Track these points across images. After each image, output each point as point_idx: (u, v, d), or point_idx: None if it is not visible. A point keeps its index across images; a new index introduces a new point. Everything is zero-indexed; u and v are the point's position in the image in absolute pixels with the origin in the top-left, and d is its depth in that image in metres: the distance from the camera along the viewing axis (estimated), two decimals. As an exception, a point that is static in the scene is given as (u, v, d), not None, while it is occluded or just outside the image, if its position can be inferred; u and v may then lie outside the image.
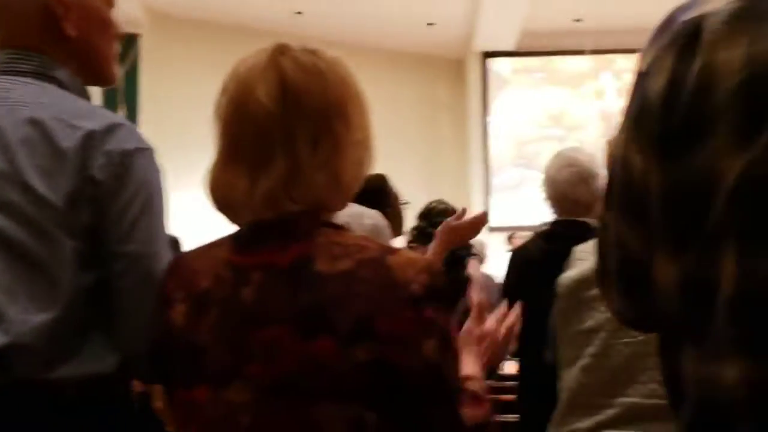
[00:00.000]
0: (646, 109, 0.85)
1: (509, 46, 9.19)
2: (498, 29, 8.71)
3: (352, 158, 1.03)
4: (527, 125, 9.49)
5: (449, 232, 2.00)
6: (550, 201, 2.47)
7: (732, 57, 0.78)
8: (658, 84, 0.84)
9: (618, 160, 0.90)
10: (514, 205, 9.14)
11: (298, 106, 1.00)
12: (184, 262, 1.07)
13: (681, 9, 0.86)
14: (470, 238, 2.12)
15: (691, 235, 0.80)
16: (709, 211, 0.78)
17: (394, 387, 0.94)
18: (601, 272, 0.98)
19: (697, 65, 0.80)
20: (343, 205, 1.07)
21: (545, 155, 2.97)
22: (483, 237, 6.90)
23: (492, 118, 9.48)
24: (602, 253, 0.96)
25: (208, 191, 1.05)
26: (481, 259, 5.12)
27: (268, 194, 0.98)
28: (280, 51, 1.03)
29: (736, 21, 0.78)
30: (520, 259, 2.66)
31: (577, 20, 8.72)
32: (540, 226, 4.85)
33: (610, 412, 1.74)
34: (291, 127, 0.99)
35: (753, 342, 0.75)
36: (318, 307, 0.94)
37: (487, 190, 9.39)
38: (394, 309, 0.94)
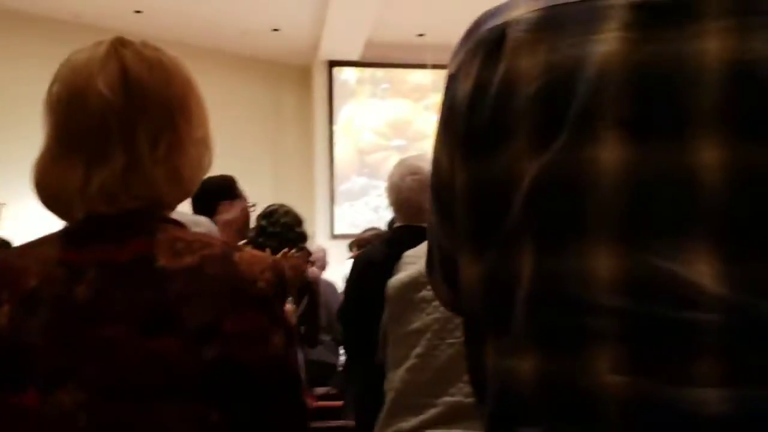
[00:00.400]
0: (454, 112, 0.88)
1: (355, 56, 9.30)
2: (344, 39, 8.79)
3: (192, 155, 1.02)
4: (371, 135, 9.63)
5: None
6: (394, 207, 2.53)
7: (531, 64, 0.80)
8: (464, 87, 0.86)
9: (432, 161, 0.93)
10: (358, 214, 9.26)
11: (141, 99, 0.98)
12: (6, 262, 1.01)
13: (487, 15, 0.89)
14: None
15: (492, 234, 0.82)
16: (508, 211, 0.81)
17: (242, 383, 0.93)
18: (429, 266, 1.02)
19: (500, 71, 0.82)
20: (179, 203, 1.05)
21: (388, 165, 3.04)
22: (326, 244, 6.95)
23: (337, 127, 9.55)
24: (429, 248, 1.01)
25: (34, 185, 1.00)
26: (322, 266, 5.14)
27: (105, 188, 0.95)
28: (121, 43, 1.01)
29: (537, 29, 0.81)
30: (362, 262, 2.72)
31: (421, 35, 8.95)
32: (365, 231, 4.94)
33: (433, 412, 1.79)
34: (132, 120, 0.97)
35: (546, 336, 0.78)
36: (162, 305, 0.92)
37: (331, 198, 9.45)
38: (242, 306, 0.94)
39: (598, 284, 0.75)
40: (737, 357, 0.71)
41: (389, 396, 1.88)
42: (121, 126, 0.97)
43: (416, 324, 1.84)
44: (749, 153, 0.72)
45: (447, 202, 0.89)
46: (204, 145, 1.04)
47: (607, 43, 0.77)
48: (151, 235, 0.96)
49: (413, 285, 1.83)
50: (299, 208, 3.67)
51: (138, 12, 8.04)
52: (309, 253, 3.66)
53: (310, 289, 3.62)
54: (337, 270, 6.23)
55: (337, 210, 9.40)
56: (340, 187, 9.51)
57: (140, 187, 0.97)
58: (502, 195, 0.81)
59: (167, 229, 0.98)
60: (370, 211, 9.13)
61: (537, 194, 0.79)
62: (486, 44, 0.85)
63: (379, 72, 9.65)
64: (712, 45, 0.74)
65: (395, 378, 1.86)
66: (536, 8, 0.83)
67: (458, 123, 0.87)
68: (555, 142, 0.78)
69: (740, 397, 0.70)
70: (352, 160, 9.59)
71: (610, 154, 0.75)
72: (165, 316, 0.92)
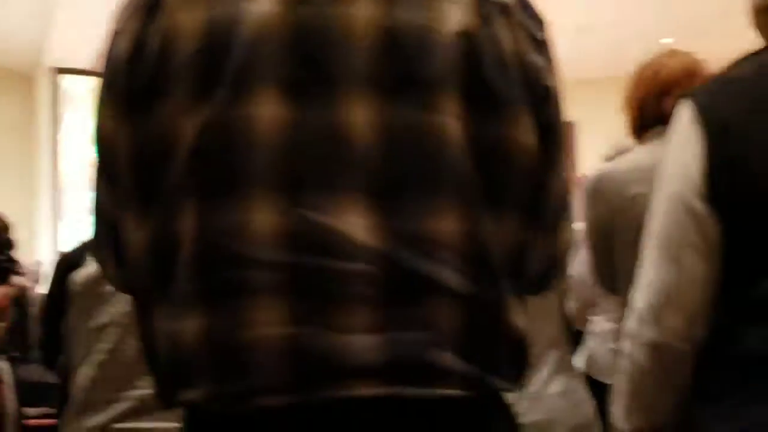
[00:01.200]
0: (114, 70, 0.86)
1: (85, 65, 8.84)
2: (73, 46, 8.35)
3: None
4: (103, 147, 9.21)
5: None
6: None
7: (190, 20, 0.81)
8: (125, 44, 0.85)
9: (97, 120, 0.90)
10: (87, 229, 8.79)
11: None
12: None
13: None
14: None
15: (155, 196, 0.81)
16: (170, 169, 0.80)
17: None
18: (96, 239, 0.97)
19: (160, 27, 0.83)
20: None
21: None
22: (50, 259, 6.53)
23: (64, 137, 9.02)
24: (96, 220, 0.95)
25: None
26: (35, 279, 4.83)
27: None
28: None
29: None
30: (64, 262, 2.61)
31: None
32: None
33: (122, 406, 1.77)
34: None
35: (208, 294, 0.78)
36: None
37: (56, 212, 8.89)
38: None
39: (257, 239, 0.76)
40: (389, 305, 0.77)
41: (76, 395, 1.82)
42: None
43: (102, 318, 1.81)
44: (395, 113, 0.79)
45: (111, 163, 0.87)
46: None
47: (263, 3, 0.81)
48: None
49: (98, 278, 1.80)
50: (20, 223, 3.45)
51: None
52: (15, 261, 3.45)
53: (19, 301, 3.40)
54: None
55: (63, 225, 8.86)
56: (68, 201, 8.99)
57: None
58: (163, 153, 0.80)
59: None
60: (101, 226, 8.72)
61: (196, 151, 0.79)
62: (147, 1, 0.85)
63: (112, 82, 9.27)
64: (361, 11, 0.81)
65: (81, 376, 1.81)
66: None
67: (119, 82, 0.85)
68: (213, 99, 0.79)
69: (391, 342, 0.76)
70: (82, 172, 9.10)
71: (267, 112, 0.78)
72: None
